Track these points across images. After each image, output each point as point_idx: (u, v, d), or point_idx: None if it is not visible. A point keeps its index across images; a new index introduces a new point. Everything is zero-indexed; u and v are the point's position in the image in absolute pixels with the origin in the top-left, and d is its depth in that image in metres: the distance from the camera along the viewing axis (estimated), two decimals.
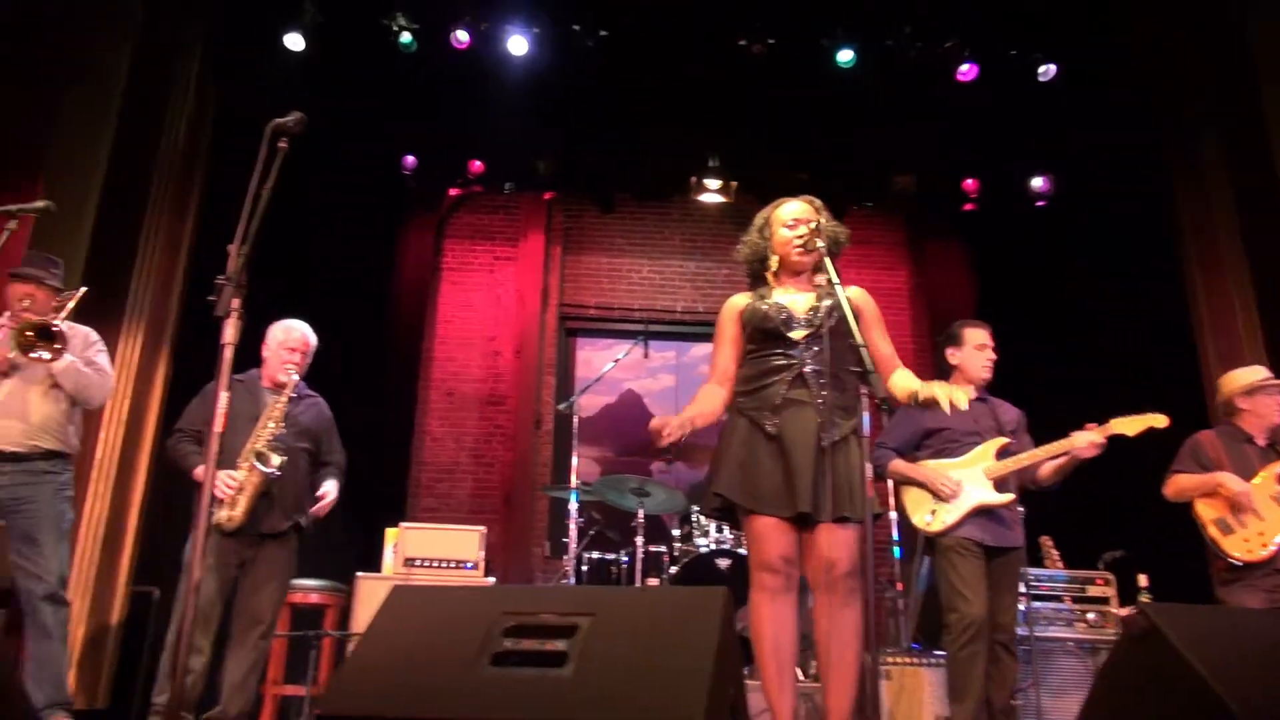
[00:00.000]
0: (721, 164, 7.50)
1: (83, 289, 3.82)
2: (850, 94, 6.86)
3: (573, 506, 5.13)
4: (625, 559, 5.39)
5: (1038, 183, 7.42)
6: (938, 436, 4.00)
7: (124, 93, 5.98)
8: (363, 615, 4.36)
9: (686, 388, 8.77)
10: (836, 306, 2.91)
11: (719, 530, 5.04)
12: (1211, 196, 6.30)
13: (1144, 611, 1.93)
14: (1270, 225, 5.96)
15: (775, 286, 3.11)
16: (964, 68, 6.59)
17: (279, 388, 4.13)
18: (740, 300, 3.16)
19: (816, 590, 2.79)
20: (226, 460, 4.02)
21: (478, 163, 7.61)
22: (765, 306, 2.99)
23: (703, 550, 4.89)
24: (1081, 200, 7.25)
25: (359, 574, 4.49)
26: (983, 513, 3.84)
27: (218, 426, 2.19)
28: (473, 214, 8.89)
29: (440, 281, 8.73)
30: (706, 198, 7.61)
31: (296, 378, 4.13)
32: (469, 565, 4.53)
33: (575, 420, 5.73)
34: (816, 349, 2.93)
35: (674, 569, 4.87)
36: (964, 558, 3.74)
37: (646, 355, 6.68)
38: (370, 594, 4.42)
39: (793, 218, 3.12)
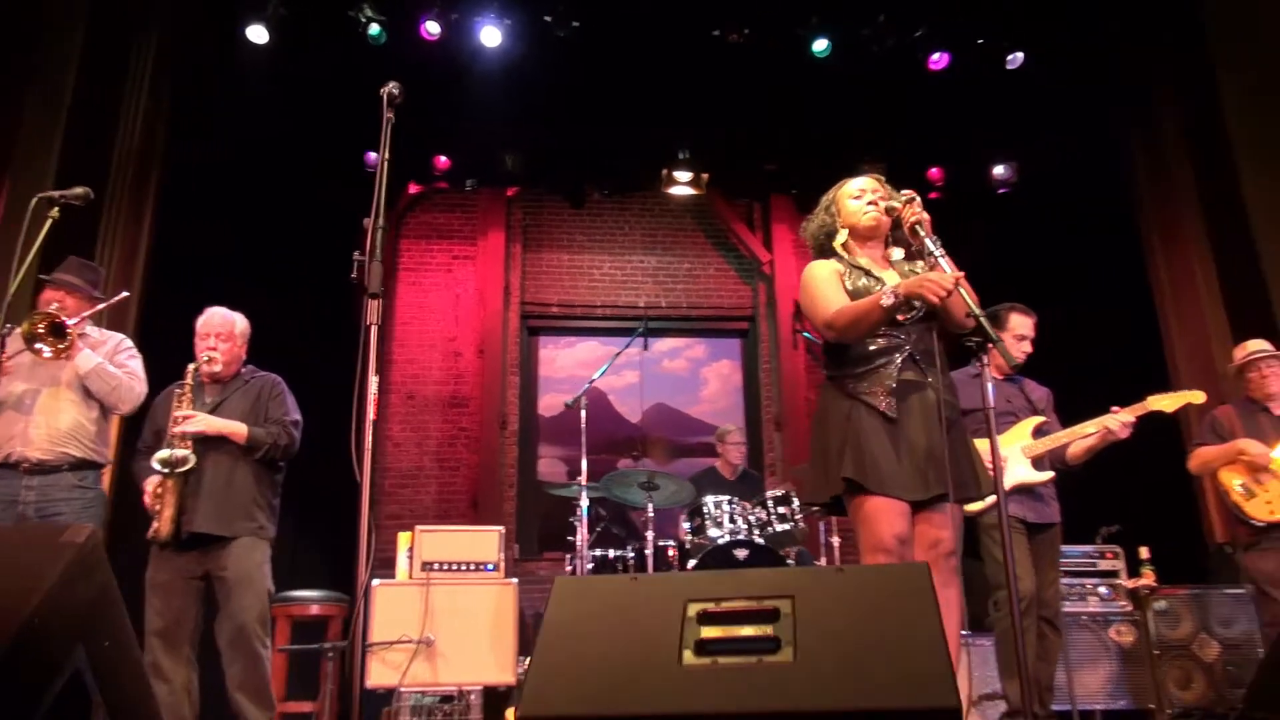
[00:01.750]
0: (692, 156, 7.45)
1: (123, 293, 3.58)
2: (823, 84, 6.89)
3: (583, 504, 5.01)
4: (631, 554, 5.30)
5: (1000, 170, 7.57)
6: (972, 417, 3.99)
7: (73, 90, 5.65)
8: (382, 624, 4.16)
9: (651, 383, 8.72)
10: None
11: (732, 521, 4.98)
12: (1172, 173, 6.53)
13: None
14: (1227, 197, 6.21)
15: (855, 256, 3.02)
16: (935, 56, 6.68)
17: (215, 381, 3.97)
18: (830, 265, 3.02)
19: None
20: None
21: (444, 159, 7.41)
22: (867, 284, 2.90)
23: (720, 541, 4.83)
24: (1044, 186, 7.42)
25: (376, 581, 4.29)
26: (1022, 490, 3.87)
27: (370, 413, 2.03)
28: (429, 212, 8.67)
29: (397, 282, 8.49)
30: (677, 190, 7.55)
31: (216, 366, 3.94)
32: (489, 567, 4.37)
33: (583, 415, 5.60)
34: (919, 330, 2.88)
35: (692, 562, 4.80)
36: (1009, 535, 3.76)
37: (646, 348, 6.56)
38: (389, 601, 4.22)
39: (859, 189, 3.07)
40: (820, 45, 6.62)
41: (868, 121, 7.21)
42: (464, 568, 4.33)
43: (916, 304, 2.86)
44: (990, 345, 2.55)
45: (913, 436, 2.73)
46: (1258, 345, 4.51)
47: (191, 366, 3.86)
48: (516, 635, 4.28)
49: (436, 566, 4.28)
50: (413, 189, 8.29)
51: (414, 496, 8.12)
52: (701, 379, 8.74)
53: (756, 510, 5.04)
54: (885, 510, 2.65)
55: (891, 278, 2.94)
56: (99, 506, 3.82)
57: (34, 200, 2.99)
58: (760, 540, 4.82)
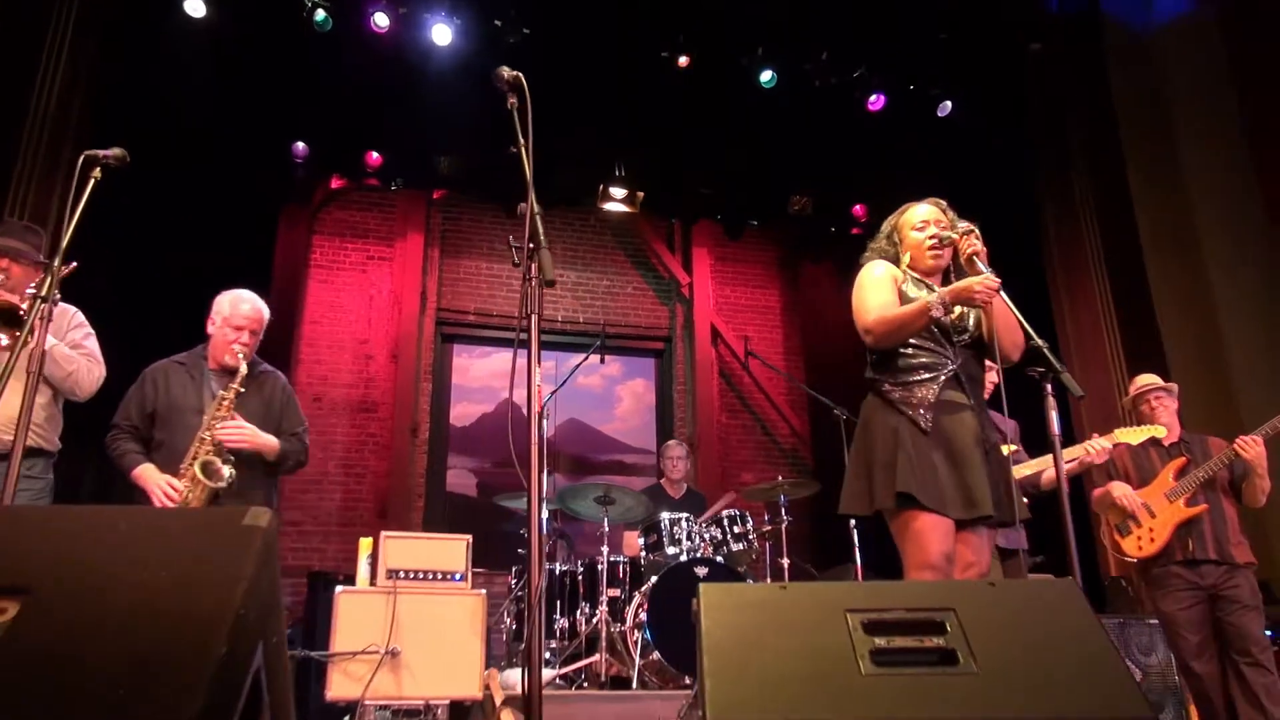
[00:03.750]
0: (628, 174, 7.47)
1: (73, 264, 3.23)
2: (764, 114, 7.04)
3: (543, 517, 4.90)
4: (581, 569, 5.23)
5: None
6: None
7: None
8: (344, 633, 3.95)
9: (565, 398, 8.65)
10: (979, 312, 2.96)
11: (690, 539, 4.99)
12: (1080, 227, 6.99)
13: None
14: (1129, 265, 6.72)
15: (914, 277, 3.04)
16: (873, 97, 6.94)
17: (227, 371, 3.61)
18: (889, 269, 3.03)
19: None
20: (168, 462, 3.52)
21: (376, 155, 7.18)
22: (922, 294, 2.93)
23: (681, 559, 4.82)
24: None
25: (340, 589, 4.08)
26: None
27: (536, 405, 1.93)
28: (345, 209, 8.38)
29: (307, 279, 8.15)
30: (612, 206, 7.55)
31: (243, 366, 3.56)
32: (457, 577, 4.21)
33: (547, 427, 5.48)
34: (966, 355, 2.96)
35: (653, 578, 4.77)
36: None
37: (603, 361, 6.50)
38: (351, 609, 4.01)
39: (921, 220, 3.12)
40: (766, 76, 6.78)
41: (803, 153, 7.41)
42: (431, 576, 4.16)
43: (969, 326, 2.96)
44: (1055, 375, 2.65)
45: (956, 456, 2.79)
46: (1148, 379, 4.62)
47: (236, 367, 3.54)
48: (484, 648, 4.15)
49: (402, 575, 4.10)
50: (335, 183, 7.99)
51: (317, 503, 7.78)
52: (616, 396, 8.73)
53: (712, 529, 5.07)
54: (936, 527, 2.70)
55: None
56: (48, 497, 3.51)
57: (82, 157, 2.74)
58: (719, 559, 4.85)
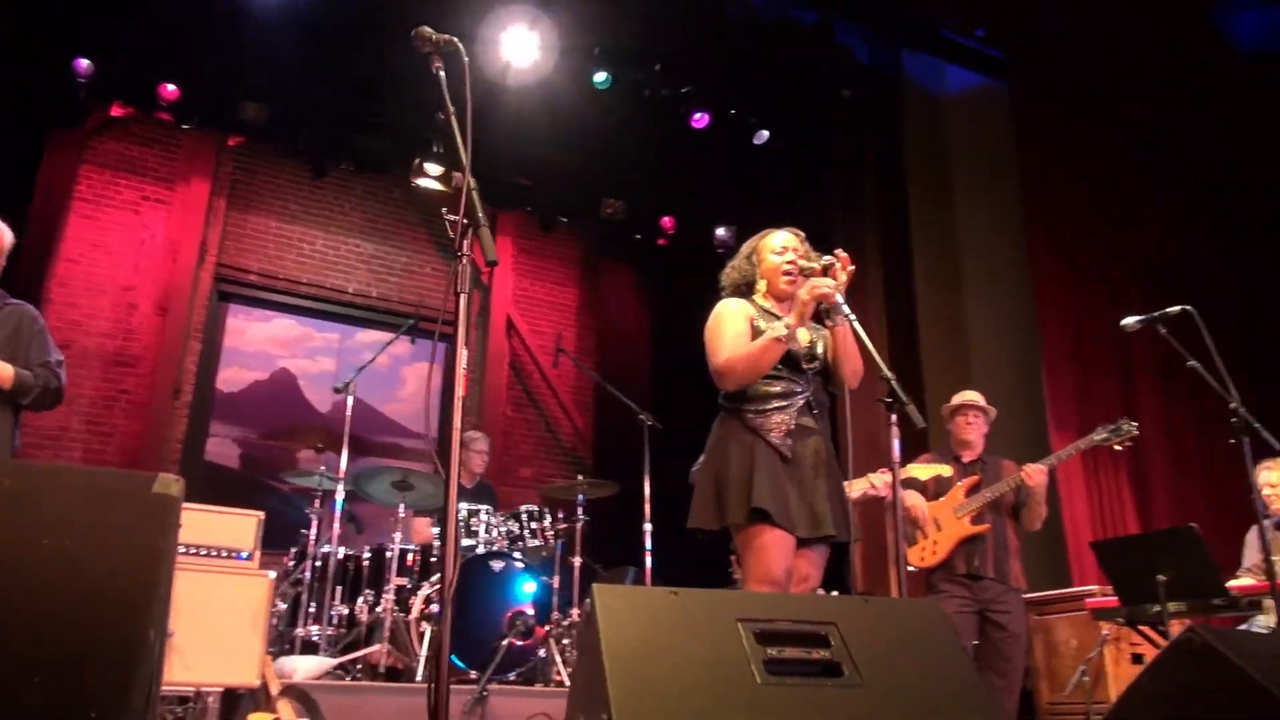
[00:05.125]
0: (445, 152, 7.26)
1: None
2: (590, 114, 7.05)
3: (339, 497, 4.65)
4: (368, 555, 5.02)
5: (721, 233, 8.18)
6: None
7: None
8: None
9: (346, 373, 8.26)
10: (826, 340, 3.10)
11: (487, 531, 4.89)
12: (864, 260, 7.51)
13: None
14: (903, 290, 7.33)
15: (766, 309, 3.14)
16: (698, 115, 7.13)
17: None
18: (743, 306, 3.13)
19: None
20: None
21: (172, 87, 6.57)
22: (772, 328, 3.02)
23: (478, 551, 4.72)
24: None
25: None
26: None
27: (460, 389, 1.81)
28: (121, 141, 7.61)
29: (68, 212, 7.33)
30: (425, 183, 7.31)
31: None
32: (242, 555, 3.90)
33: (349, 402, 5.20)
34: (816, 382, 3.09)
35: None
36: None
37: (414, 343, 6.23)
38: None
39: (782, 245, 3.22)
40: (600, 77, 6.80)
41: (623, 158, 7.49)
42: (214, 554, 3.84)
43: (819, 353, 3.10)
44: (902, 405, 2.81)
45: (804, 478, 2.93)
46: (971, 395, 4.76)
47: None
48: (266, 633, 3.88)
49: (182, 550, 3.76)
50: (115, 111, 7.23)
51: (53, 461, 7.01)
52: (401, 378, 8.45)
53: (509, 523, 5.01)
54: (780, 544, 2.81)
55: (802, 333, 3.10)
56: None
57: None
58: (516, 554, 4.79)
